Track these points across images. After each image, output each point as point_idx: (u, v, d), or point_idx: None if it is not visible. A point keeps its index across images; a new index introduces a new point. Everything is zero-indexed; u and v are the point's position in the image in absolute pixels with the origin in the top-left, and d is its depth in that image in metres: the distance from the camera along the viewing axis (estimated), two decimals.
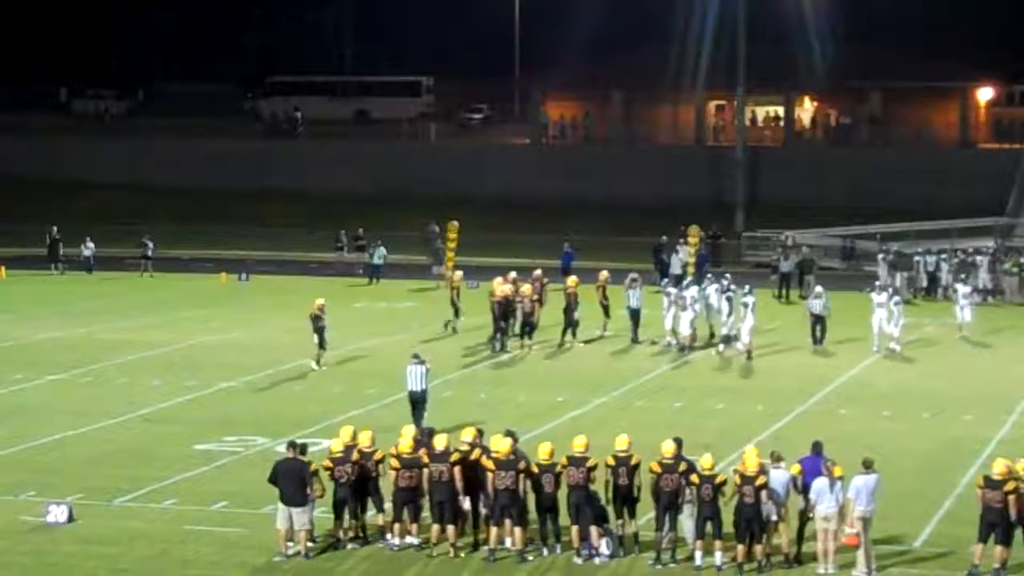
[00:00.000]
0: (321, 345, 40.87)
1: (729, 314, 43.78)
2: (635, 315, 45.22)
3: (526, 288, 44.28)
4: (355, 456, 25.28)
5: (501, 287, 43.94)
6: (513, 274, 45.70)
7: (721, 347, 43.55)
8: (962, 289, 47.48)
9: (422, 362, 33.23)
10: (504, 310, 43.60)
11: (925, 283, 55.66)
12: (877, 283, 49.64)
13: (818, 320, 44.76)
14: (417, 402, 32.95)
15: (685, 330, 43.63)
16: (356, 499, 25.28)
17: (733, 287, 44.83)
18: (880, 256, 56.94)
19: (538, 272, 45.93)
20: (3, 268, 62.45)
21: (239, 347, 44.89)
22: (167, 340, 45.70)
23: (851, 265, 61.88)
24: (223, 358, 42.82)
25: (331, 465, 25.16)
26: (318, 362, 40.85)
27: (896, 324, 43.79)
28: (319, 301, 41.30)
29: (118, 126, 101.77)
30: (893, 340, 43.73)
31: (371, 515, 25.60)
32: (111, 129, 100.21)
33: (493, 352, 43.47)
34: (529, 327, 43.94)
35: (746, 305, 43.14)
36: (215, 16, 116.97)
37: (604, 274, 46.90)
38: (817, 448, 25.02)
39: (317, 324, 40.65)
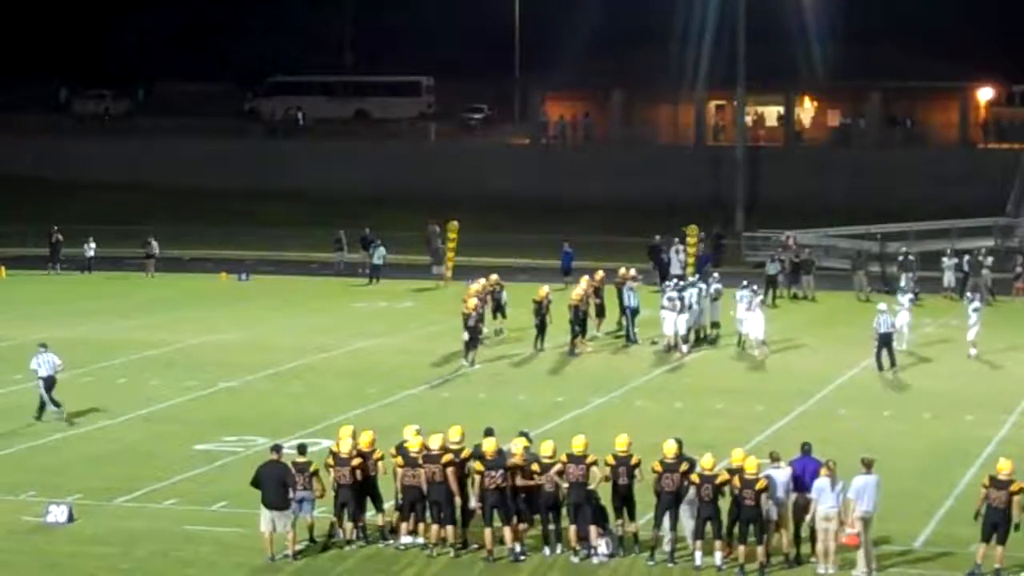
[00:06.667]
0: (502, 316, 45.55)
1: (680, 311, 43.35)
2: (632, 314, 45.17)
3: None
4: (355, 459, 25.20)
5: (577, 291, 44.17)
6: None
7: (684, 348, 43.46)
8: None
9: (47, 350, 35.04)
10: (579, 313, 43.57)
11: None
12: (900, 285, 49.33)
13: (885, 341, 40.63)
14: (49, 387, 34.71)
15: (680, 330, 43.55)
16: (356, 501, 25.26)
17: (712, 287, 44.94)
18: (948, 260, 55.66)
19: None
20: (3, 268, 62.47)
21: (239, 347, 44.86)
22: (167, 340, 45.68)
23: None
24: (223, 358, 42.80)
25: (332, 463, 25.13)
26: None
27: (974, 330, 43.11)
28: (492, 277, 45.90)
29: (118, 126, 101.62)
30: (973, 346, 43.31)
31: (371, 515, 25.60)
32: (111, 129, 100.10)
33: (573, 354, 43.21)
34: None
35: (752, 303, 43.22)
36: (215, 16, 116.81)
37: (600, 274, 46.87)
38: (806, 449, 25.04)
39: (497, 296, 45.29)
